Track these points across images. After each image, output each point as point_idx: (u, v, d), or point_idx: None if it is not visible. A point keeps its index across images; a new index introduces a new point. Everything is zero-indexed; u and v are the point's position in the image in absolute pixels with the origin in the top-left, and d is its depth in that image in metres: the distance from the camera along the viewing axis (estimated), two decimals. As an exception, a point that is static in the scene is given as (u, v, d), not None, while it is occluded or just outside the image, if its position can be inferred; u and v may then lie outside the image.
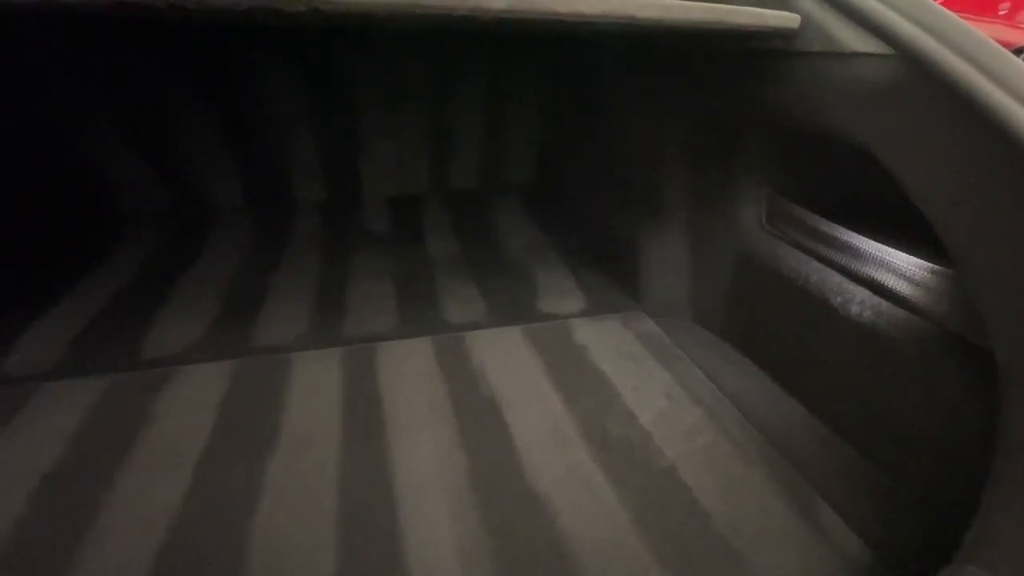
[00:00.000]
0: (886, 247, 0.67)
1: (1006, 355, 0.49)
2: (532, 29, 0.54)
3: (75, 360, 0.83)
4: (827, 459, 0.70)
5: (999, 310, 0.49)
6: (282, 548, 0.56)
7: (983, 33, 0.55)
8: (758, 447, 0.72)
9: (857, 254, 0.71)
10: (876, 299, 0.67)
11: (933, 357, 0.60)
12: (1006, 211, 0.48)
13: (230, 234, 1.30)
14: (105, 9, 0.41)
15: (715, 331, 0.98)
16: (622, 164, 1.17)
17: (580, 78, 1.35)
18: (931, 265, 0.61)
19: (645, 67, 1.03)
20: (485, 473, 0.66)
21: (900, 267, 0.64)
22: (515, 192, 1.62)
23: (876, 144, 0.60)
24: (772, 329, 0.85)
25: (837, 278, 0.73)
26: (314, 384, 0.80)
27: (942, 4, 0.59)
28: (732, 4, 0.72)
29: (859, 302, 0.69)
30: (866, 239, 0.70)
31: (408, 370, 0.84)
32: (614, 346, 0.93)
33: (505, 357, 0.89)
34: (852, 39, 0.61)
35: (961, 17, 0.57)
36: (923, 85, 0.54)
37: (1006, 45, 0.55)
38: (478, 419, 0.75)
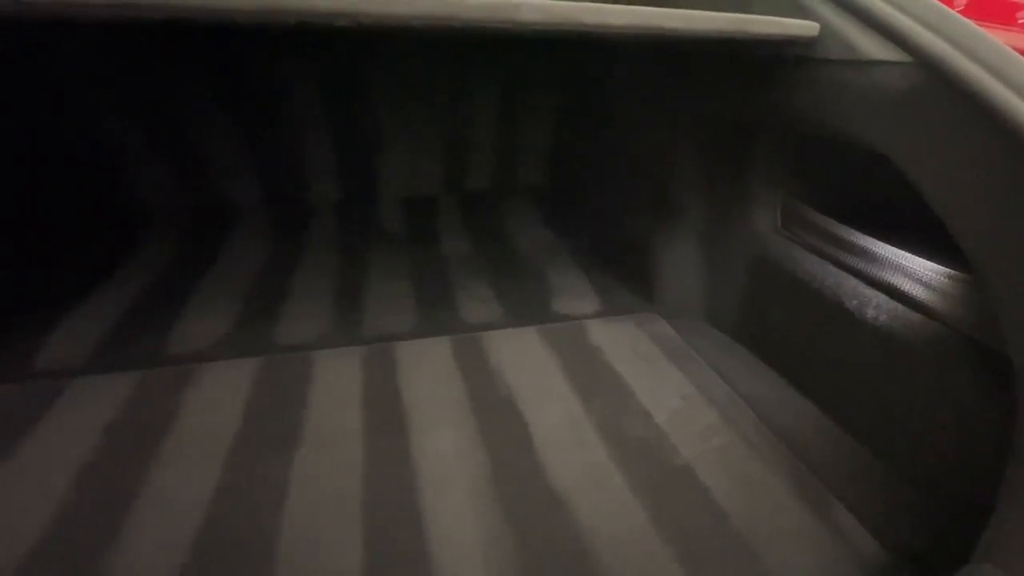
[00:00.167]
0: (901, 251, 0.67)
1: (1023, 360, 0.49)
2: (553, 35, 0.56)
3: (105, 356, 0.86)
4: (842, 460, 0.71)
5: (1016, 315, 0.50)
6: (310, 540, 0.58)
7: (1001, 41, 0.56)
8: (773, 448, 0.73)
9: (872, 258, 0.71)
10: (892, 303, 0.68)
11: (949, 361, 0.61)
12: None
13: (249, 233, 1.32)
14: (155, 18, 0.43)
15: (729, 333, 0.99)
16: (636, 166, 1.18)
17: (594, 80, 1.36)
18: (947, 270, 0.62)
19: (659, 69, 1.05)
20: (505, 470, 0.68)
21: (916, 271, 0.65)
22: (528, 193, 1.64)
23: (894, 150, 0.61)
24: (786, 331, 0.86)
25: (852, 282, 0.74)
26: (336, 382, 0.82)
27: (961, 12, 0.60)
28: (750, 11, 0.73)
29: (875, 306, 0.70)
30: (881, 243, 0.70)
31: (427, 369, 0.86)
32: (629, 347, 0.94)
33: (521, 357, 0.90)
34: (871, 47, 0.61)
35: (979, 25, 0.58)
36: (942, 92, 0.55)
37: (1024, 53, 0.56)
38: (497, 417, 0.76)
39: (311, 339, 0.93)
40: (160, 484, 0.63)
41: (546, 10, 0.45)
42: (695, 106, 0.96)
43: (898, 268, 0.67)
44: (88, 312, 0.97)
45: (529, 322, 1.00)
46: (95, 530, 0.58)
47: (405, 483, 0.65)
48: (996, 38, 0.56)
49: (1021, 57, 0.54)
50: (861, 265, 0.73)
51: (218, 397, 0.78)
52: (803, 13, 0.68)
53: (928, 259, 0.64)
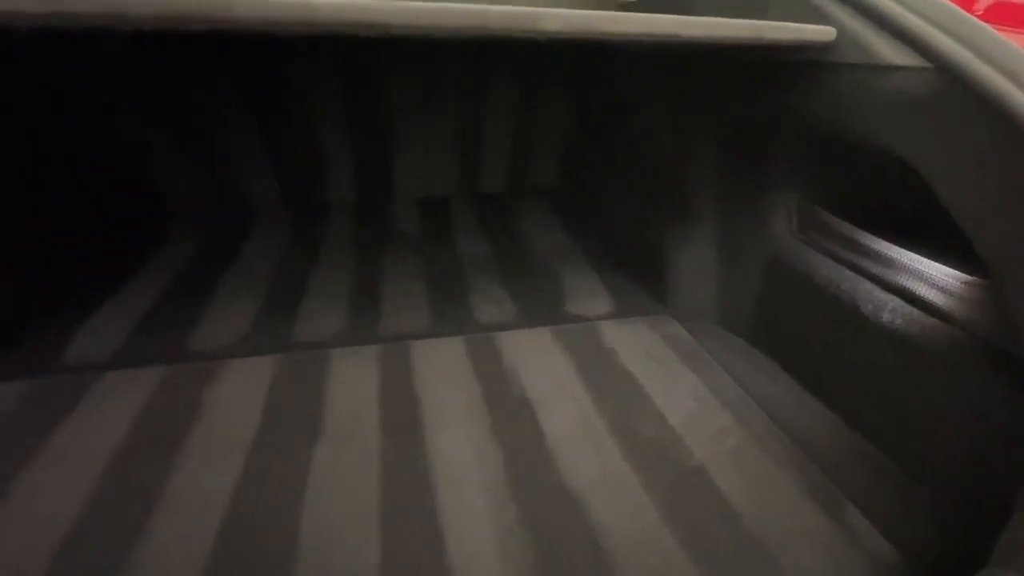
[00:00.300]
0: (918, 256, 0.67)
1: None
2: (571, 42, 0.57)
3: (131, 351, 0.88)
4: (856, 463, 0.71)
5: (1034, 320, 0.50)
6: (330, 533, 0.59)
7: (1021, 46, 0.55)
8: (786, 450, 0.73)
9: (888, 263, 0.71)
10: (907, 307, 0.68)
11: (964, 365, 0.61)
12: None
13: (268, 232, 1.35)
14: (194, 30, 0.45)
15: (743, 335, 0.99)
16: (650, 167, 1.18)
17: (609, 82, 1.36)
18: (963, 274, 0.62)
19: (674, 71, 1.05)
20: (519, 468, 0.69)
21: (932, 276, 0.65)
22: (543, 194, 1.65)
23: (912, 155, 0.61)
24: (801, 334, 0.86)
25: (868, 286, 0.74)
26: (353, 379, 0.84)
27: (982, 16, 0.60)
28: (765, 14, 0.74)
29: (890, 310, 0.70)
30: (898, 248, 0.70)
31: (442, 368, 0.88)
32: (642, 348, 0.95)
33: (535, 357, 0.91)
34: (889, 52, 0.62)
35: (999, 30, 0.58)
36: (960, 98, 0.55)
37: (1045, 59, 0.55)
38: (511, 416, 0.78)
39: (328, 337, 0.95)
40: (185, 476, 0.65)
41: (565, 19, 0.46)
42: (710, 107, 0.96)
43: (914, 273, 0.67)
44: (115, 309, 1.00)
45: (543, 323, 1.01)
46: (124, 519, 0.60)
47: (421, 480, 0.66)
48: (1016, 43, 0.56)
49: (1041, 62, 0.54)
50: (877, 269, 0.73)
51: (239, 393, 0.80)
52: (820, 17, 0.69)
53: (944, 263, 0.64)
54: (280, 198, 1.50)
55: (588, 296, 1.12)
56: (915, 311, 0.67)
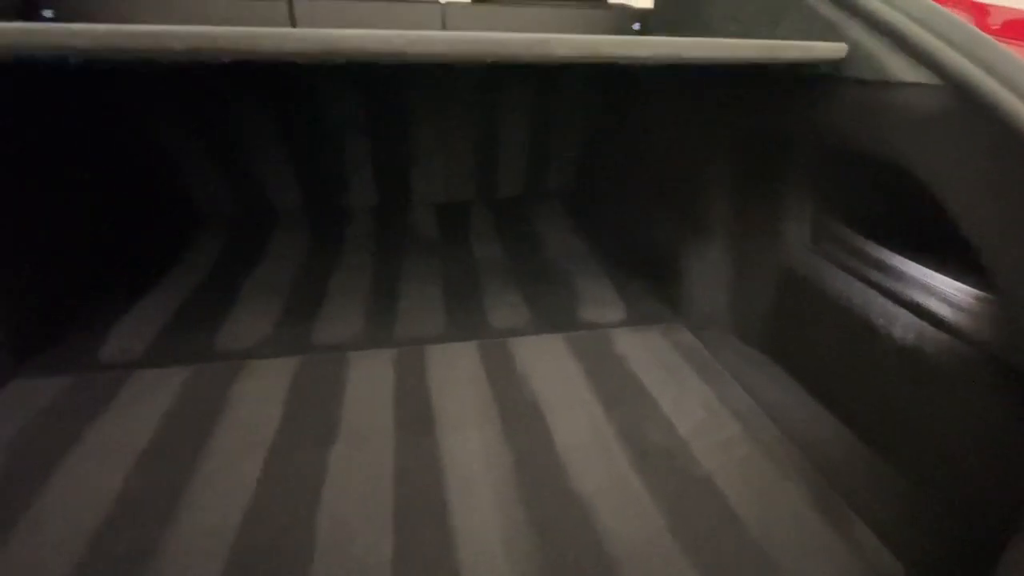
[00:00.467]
0: (930, 271, 0.67)
1: None
2: (581, 64, 0.59)
3: (161, 350, 0.93)
4: (863, 476, 0.71)
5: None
6: (346, 529, 0.62)
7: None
8: (794, 461, 0.74)
9: (901, 276, 0.71)
10: (919, 322, 0.68)
11: (975, 380, 0.61)
12: None
13: (290, 236, 1.39)
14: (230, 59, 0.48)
15: (754, 345, 1.00)
16: (665, 176, 1.19)
17: (624, 91, 1.38)
18: (974, 290, 0.62)
19: (688, 83, 1.06)
20: (529, 472, 0.71)
21: (943, 291, 0.65)
22: (558, 200, 1.67)
23: (923, 170, 0.61)
24: (812, 346, 0.86)
25: (880, 299, 0.74)
26: (369, 382, 0.87)
27: (998, 31, 0.60)
28: (778, 28, 0.74)
29: (902, 324, 0.70)
30: (910, 262, 0.70)
31: (455, 372, 0.90)
32: (654, 357, 0.96)
33: (547, 363, 0.93)
34: (901, 68, 0.62)
35: (1016, 46, 0.58)
36: (971, 115, 0.56)
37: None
38: (522, 421, 0.79)
39: (346, 340, 0.98)
40: (211, 470, 0.69)
41: (575, 45, 0.48)
42: (724, 118, 0.97)
43: (925, 287, 0.67)
44: (147, 309, 1.05)
45: (555, 329, 1.03)
46: (155, 509, 0.63)
47: (433, 480, 0.69)
48: (1030, 60, 0.56)
49: (1055, 80, 0.54)
50: (889, 283, 0.73)
51: (262, 392, 0.83)
52: (833, 32, 0.69)
53: (956, 279, 0.64)
54: (303, 203, 1.54)
55: (601, 303, 1.13)
56: (926, 325, 0.67)
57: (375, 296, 1.13)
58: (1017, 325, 0.54)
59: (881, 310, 0.73)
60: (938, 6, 0.62)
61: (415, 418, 0.79)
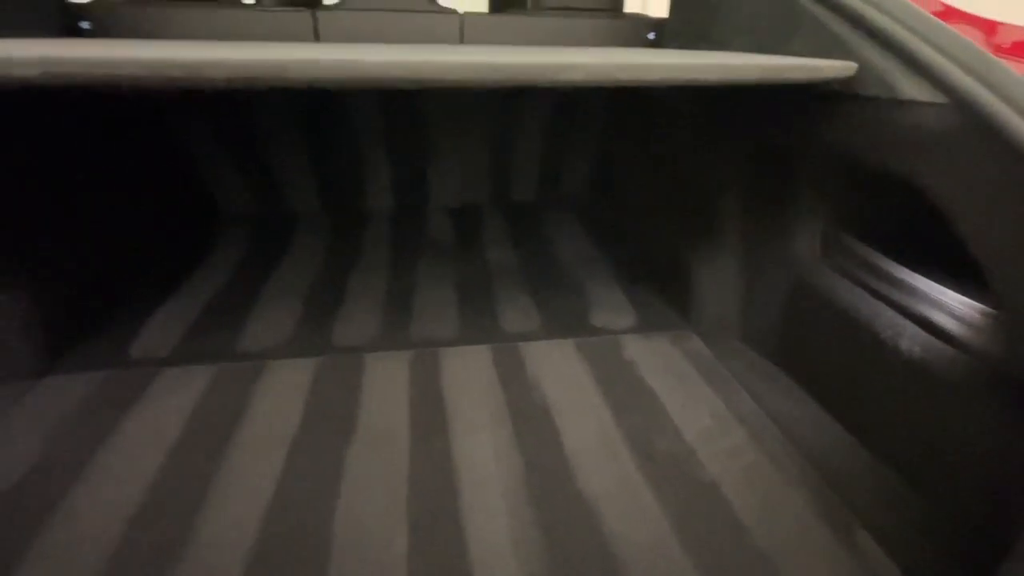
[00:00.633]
0: (938, 285, 0.68)
1: None
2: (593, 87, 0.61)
3: (187, 349, 0.97)
4: (868, 486, 0.72)
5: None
6: (362, 526, 0.65)
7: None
8: (800, 470, 0.75)
9: (909, 290, 0.72)
10: (925, 335, 0.69)
11: (980, 394, 0.62)
12: None
13: (310, 239, 1.43)
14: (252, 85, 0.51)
15: (763, 355, 1.01)
16: (678, 185, 1.20)
17: (638, 101, 1.39)
18: (980, 305, 0.63)
19: (701, 95, 1.07)
20: (538, 474, 0.73)
21: (950, 305, 0.66)
22: (572, 206, 1.69)
23: (931, 188, 0.62)
24: (821, 357, 0.87)
25: (888, 312, 0.75)
26: (385, 383, 0.90)
27: (1009, 50, 0.61)
28: (790, 44, 0.76)
29: (909, 336, 0.71)
30: (918, 276, 0.71)
31: (468, 375, 0.92)
32: (663, 364, 0.97)
33: (558, 368, 0.95)
34: (909, 87, 0.63)
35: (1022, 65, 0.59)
36: (977, 135, 0.57)
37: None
38: (532, 425, 0.82)
39: (364, 341, 1.01)
40: (235, 467, 0.72)
41: (587, 69, 0.50)
42: (737, 130, 0.98)
43: (933, 301, 0.68)
44: (174, 308, 1.09)
45: (566, 334, 1.05)
46: (183, 503, 0.67)
47: (446, 481, 0.71)
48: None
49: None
50: (897, 296, 0.74)
51: (282, 392, 0.87)
52: (843, 50, 0.70)
53: (962, 293, 0.65)
54: (322, 207, 1.59)
55: (612, 309, 1.15)
56: (933, 339, 0.68)
57: (391, 298, 1.16)
58: (1021, 339, 0.55)
59: (888, 322, 0.74)
60: (945, 25, 0.63)
61: (429, 420, 0.82)
